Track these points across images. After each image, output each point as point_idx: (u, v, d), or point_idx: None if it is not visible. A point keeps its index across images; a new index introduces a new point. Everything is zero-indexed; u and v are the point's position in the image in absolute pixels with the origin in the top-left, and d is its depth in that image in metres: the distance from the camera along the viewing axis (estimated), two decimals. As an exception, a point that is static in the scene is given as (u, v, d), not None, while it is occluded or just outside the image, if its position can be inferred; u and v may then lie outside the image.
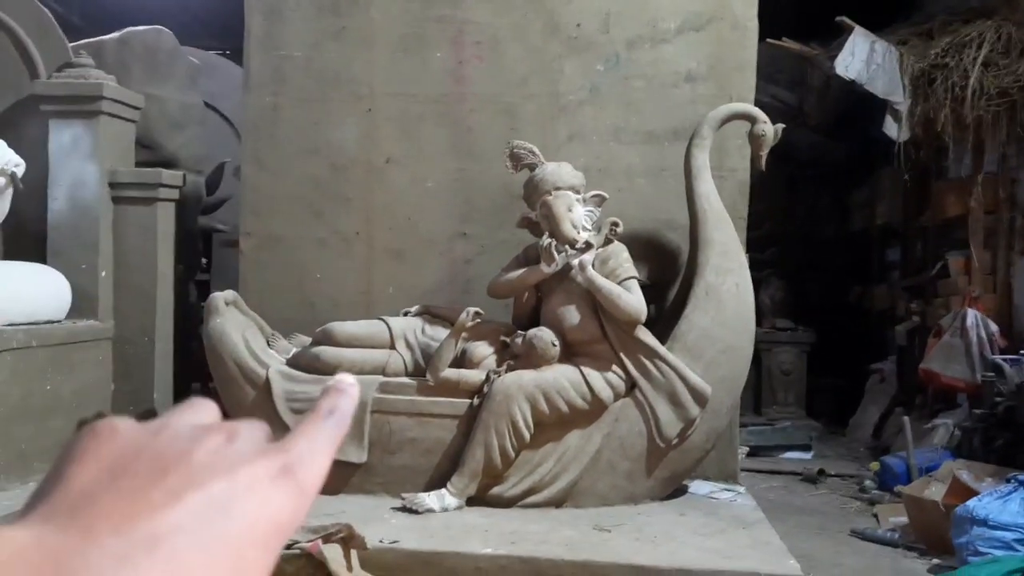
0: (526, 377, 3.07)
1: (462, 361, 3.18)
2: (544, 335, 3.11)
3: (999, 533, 3.38)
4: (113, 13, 7.04)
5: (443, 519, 2.94)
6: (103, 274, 3.97)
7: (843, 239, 8.38)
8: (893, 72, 5.60)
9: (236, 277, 3.85)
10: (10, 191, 3.73)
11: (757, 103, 3.51)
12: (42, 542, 0.31)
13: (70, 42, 4.27)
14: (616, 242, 3.20)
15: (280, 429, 0.40)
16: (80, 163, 3.95)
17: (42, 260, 3.89)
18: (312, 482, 0.37)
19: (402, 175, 3.75)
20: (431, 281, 3.71)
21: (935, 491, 3.99)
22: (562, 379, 3.08)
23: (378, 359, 3.24)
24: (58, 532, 0.31)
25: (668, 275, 3.56)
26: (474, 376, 3.14)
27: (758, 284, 4.14)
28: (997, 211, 5.79)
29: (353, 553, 2.38)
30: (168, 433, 0.36)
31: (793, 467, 5.68)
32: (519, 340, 3.15)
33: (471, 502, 3.07)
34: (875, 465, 5.32)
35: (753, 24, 3.65)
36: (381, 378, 3.20)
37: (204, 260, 5.60)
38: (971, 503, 3.55)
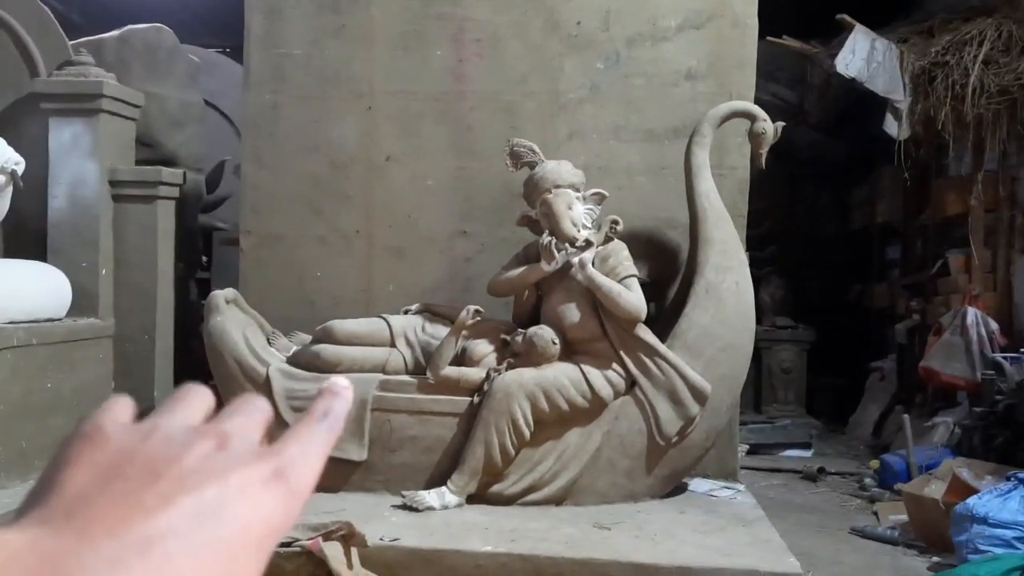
0: (526, 375, 3.07)
1: (462, 359, 3.19)
2: (544, 333, 3.11)
3: (999, 531, 3.38)
4: (113, 11, 7.03)
5: (443, 517, 2.95)
6: (103, 272, 3.97)
7: (843, 237, 8.38)
8: (893, 70, 5.59)
9: (236, 275, 3.85)
10: (10, 189, 3.73)
11: (757, 101, 3.51)
12: (37, 545, 0.31)
13: (70, 40, 4.26)
14: (616, 240, 3.20)
15: (280, 427, 0.40)
16: (80, 161, 3.95)
17: (42, 258, 3.89)
18: (304, 485, 0.37)
19: (402, 173, 3.75)
20: (431, 279, 3.71)
21: (935, 489, 3.99)
22: (562, 377, 3.08)
23: (378, 357, 3.25)
24: (53, 535, 0.32)
25: (668, 273, 3.56)
26: (474, 374, 3.15)
27: (758, 282, 4.14)
28: (997, 209, 5.79)
29: (353, 551, 2.38)
30: (159, 436, 0.36)
31: (793, 465, 5.68)
32: (519, 338, 3.15)
33: (471, 500, 3.08)
34: (875, 463, 5.32)
35: (753, 22, 3.65)
36: (381, 376, 3.20)
37: (204, 258, 5.59)
38: (971, 501, 3.56)
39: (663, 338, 3.16)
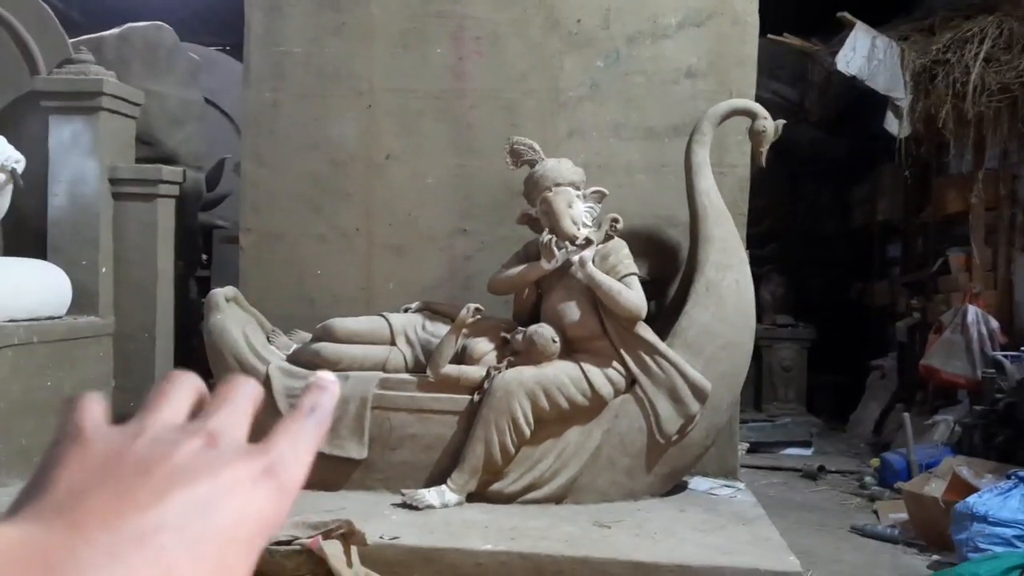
0: (526, 373, 3.07)
1: (462, 357, 3.19)
2: (544, 331, 3.11)
3: (999, 529, 3.38)
4: (113, 9, 7.03)
5: (443, 515, 2.95)
6: (103, 270, 3.97)
7: (844, 235, 8.37)
8: (894, 68, 5.59)
9: (236, 273, 3.85)
10: (10, 187, 3.73)
11: (758, 99, 3.51)
12: (31, 538, 0.31)
13: (70, 38, 4.26)
14: (616, 238, 3.20)
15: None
16: (80, 159, 3.95)
17: (42, 256, 3.89)
18: (294, 481, 0.38)
19: (402, 171, 3.74)
20: (431, 277, 3.71)
21: (935, 487, 3.99)
22: (562, 375, 3.08)
23: (378, 355, 3.25)
24: (46, 529, 0.32)
25: (668, 271, 3.56)
26: (474, 372, 3.15)
27: (758, 280, 4.14)
28: (998, 207, 5.78)
29: (353, 549, 2.38)
30: (147, 437, 0.36)
31: (793, 463, 5.68)
32: (519, 336, 3.15)
33: (471, 498, 3.08)
34: (875, 461, 5.32)
35: (754, 19, 3.64)
36: (381, 374, 3.20)
37: (204, 256, 5.59)
38: (971, 499, 3.55)
39: (663, 336, 3.16)
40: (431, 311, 3.38)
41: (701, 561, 2.61)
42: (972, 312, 5.35)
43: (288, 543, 2.26)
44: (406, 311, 3.40)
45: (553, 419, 3.10)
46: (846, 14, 5.64)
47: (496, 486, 3.10)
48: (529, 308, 3.33)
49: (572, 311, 3.15)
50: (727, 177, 3.53)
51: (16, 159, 3.71)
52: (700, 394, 3.10)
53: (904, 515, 4.22)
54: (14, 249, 3.93)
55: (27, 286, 3.62)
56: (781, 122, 3.30)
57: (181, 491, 0.34)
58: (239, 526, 0.34)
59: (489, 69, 3.70)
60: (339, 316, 3.34)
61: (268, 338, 3.41)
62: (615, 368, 3.12)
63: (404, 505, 3.00)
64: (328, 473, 3.09)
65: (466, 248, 3.71)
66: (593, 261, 3.11)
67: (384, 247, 3.75)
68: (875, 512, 4.58)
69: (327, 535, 2.31)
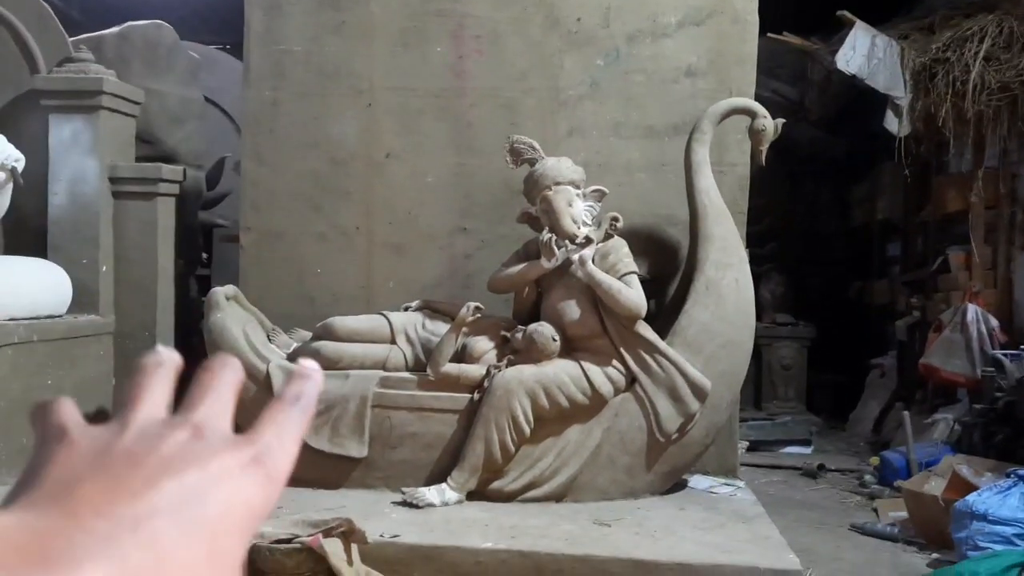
0: (526, 372, 3.07)
1: (462, 356, 3.19)
2: (544, 330, 3.11)
3: (999, 528, 3.39)
4: (113, 8, 7.02)
5: (443, 513, 2.95)
6: (104, 269, 3.97)
7: (843, 234, 8.38)
8: (894, 67, 5.59)
9: (236, 272, 3.85)
10: (10, 186, 3.73)
11: (757, 98, 3.51)
12: (26, 525, 0.32)
13: (70, 37, 4.26)
14: (616, 237, 3.20)
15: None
16: (80, 158, 3.94)
17: (42, 255, 3.89)
18: (281, 470, 0.38)
19: (402, 170, 3.75)
20: (431, 276, 3.71)
21: (935, 486, 3.99)
22: (562, 374, 3.08)
23: (379, 354, 3.25)
24: (42, 516, 0.32)
25: (668, 270, 3.56)
26: (474, 371, 3.15)
27: (758, 279, 4.14)
28: (998, 206, 5.79)
29: (354, 547, 2.39)
30: (132, 431, 0.37)
31: (793, 462, 5.68)
32: (519, 335, 3.15)
33: (471, 496, 3.08)
34: (875, 460, 5.32)
35: (753, 18, 3.64)
36: (382, 373, 3.21)
37: (204, 255, 5.59)
38: (971, 498, 3.56)
39: (663, 335, 3.16)
40: (431, 310, 3.38)
41: (701, 559, 2.62)
42: (972, 311, 5.36)
43: (288, 541, 2.26)
44: (406, 310, 3.40)
45: (553, 417, 3.10)
46: (846, 13, 5.63)
47: (496, 484, 3.10)
48: (529, 307, 3.33)
49: (572, 310, 3.15)
50: (727, 176, 3.53)
51: (16, 158, 3.71)
52: (700, 393, 3.11)
53: (904, 513, 4.23)
54: (14, 248, 3.93)
55: (27, 285, 3.62)
56: (781, 121, 3.30)
57: (171, 479, 0.34)
58: (229, 514, 0.35)
59: (489, 68, 3.70)
60: (339, 315, 3.34)
61: (268, 336, 3.41)
62: (615, 367, 3.12)
63: (404, 503, 3.01)
64: (328, 471, 3.10)
65: (466, 247, 3.71)
66: (593, 260, 3.11)
67: (384, 246, 3.76)
68: (875, 510, 4.58)
69: (327, 533, 2.31)
